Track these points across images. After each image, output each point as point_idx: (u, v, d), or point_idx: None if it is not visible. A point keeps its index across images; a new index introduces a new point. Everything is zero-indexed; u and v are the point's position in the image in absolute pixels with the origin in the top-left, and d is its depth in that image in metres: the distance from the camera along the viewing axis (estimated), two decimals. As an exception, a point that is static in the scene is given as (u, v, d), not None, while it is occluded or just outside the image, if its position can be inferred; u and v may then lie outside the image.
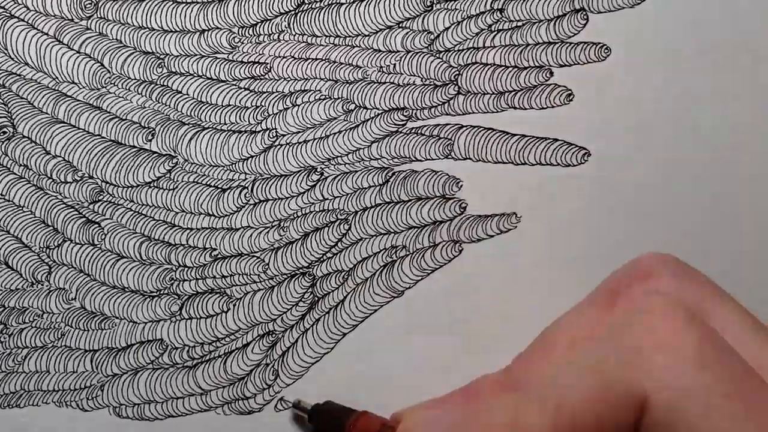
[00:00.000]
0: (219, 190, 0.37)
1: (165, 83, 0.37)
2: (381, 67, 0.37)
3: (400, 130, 0.37)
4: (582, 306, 0.29)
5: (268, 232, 0.37)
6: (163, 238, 0.37)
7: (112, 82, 0.37)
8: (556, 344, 0.28)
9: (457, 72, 0.37)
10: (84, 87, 0.37)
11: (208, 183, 0.37)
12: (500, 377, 0.30)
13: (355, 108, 0.37)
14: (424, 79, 0.37)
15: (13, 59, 0.37)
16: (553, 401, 0.25)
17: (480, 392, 0.30)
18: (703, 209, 0.37)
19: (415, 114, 0.37)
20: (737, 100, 0.37)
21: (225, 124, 0.37)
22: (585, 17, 0.37)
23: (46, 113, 0.37)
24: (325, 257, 0.37)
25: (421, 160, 0.37)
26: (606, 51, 0.37)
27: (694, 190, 0.37)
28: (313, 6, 0.37)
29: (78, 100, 0.37)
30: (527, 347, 0.30)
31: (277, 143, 0.37)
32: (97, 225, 0.37)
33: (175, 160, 0.37)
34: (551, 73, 0.37)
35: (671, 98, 0.37)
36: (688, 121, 0.37)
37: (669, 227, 0.37)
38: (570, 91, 0.37)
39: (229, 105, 0.37)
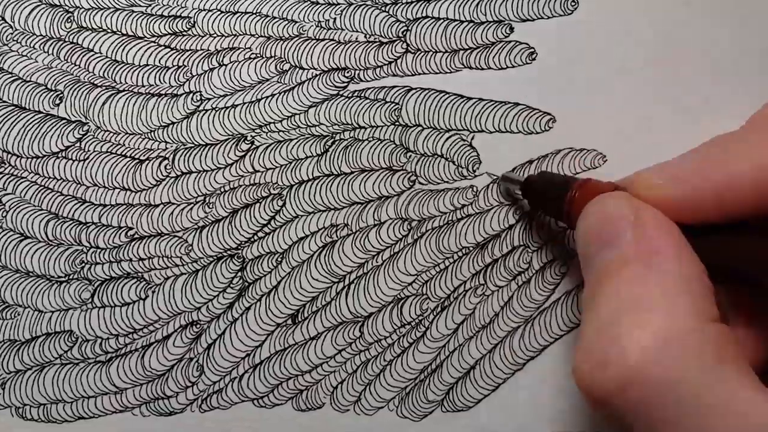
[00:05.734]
0: (136, 161, 0.34)
1: (74, 40, 0.35)
2: (319, 21, 0.35)
3: (341, 93, 0.35)
4: None
5: (191, 208, 0.34)
6: (73, 215, 0.34)
7: (15, 38, 0.35)
8: None
9: (406, 27, 0.35)
10: (-17, 44, 0.35)
11: (123, 153, 0.34)
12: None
13: (290, 68, 0.35)
14: (368, 36, 0.35)
15: None
16: None
17: (718, 139, 0.28)
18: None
19: (358, 75, 0.35)
20: (716, 59, 0.35)
21: (143, 86, 0.35)
22: (550, -35, 0.36)
23: (-59, 74, 0.35)
24: (256, 237, 0.34)
25: (365, 127, 0.35)
26: (573, 3, 0.35)
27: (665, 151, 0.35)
28: (244, -47, 0.35)
29: (-24, 60, 0.35)
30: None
31: (201, 108, 0.35)
32: (-3, 201, 0.34)
33: (86, 128, 0.34)
34: (511, 29, 0.35)
35: (643, 56, 0.35)
36: (661, 80, 0.35)
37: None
38: (533, 49, 0.35)
39: (148, 65, 0.35)
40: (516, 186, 0.33)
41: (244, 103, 0.35)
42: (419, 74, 0.35)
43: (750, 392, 0.22)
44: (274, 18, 0.35)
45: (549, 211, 0.32)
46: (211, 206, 0.34)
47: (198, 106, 0.34)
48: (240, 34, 0.35)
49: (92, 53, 0.35)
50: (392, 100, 0.35)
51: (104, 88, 0.34)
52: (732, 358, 0.23)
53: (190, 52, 0.35)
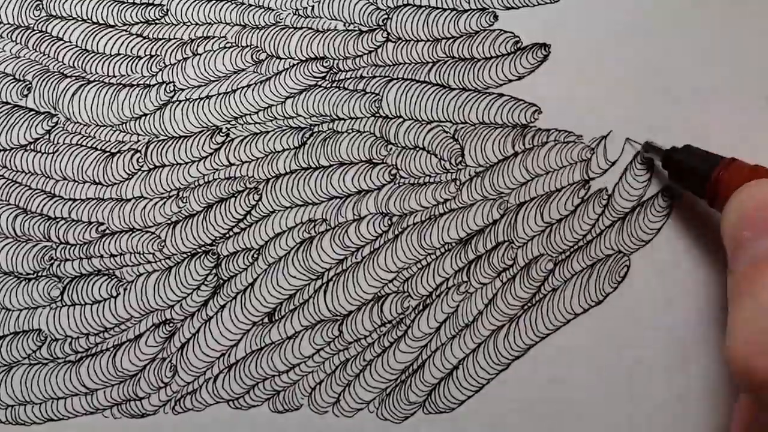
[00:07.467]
0: (107, 154, 0.34)
1: (43, 29, 0.35)
2: (297, 9, 0.35)
3: (319, 83, 0.34)
4: None
5: (164, 203, 0.34)
6: (42, 210, 0.34)
7: (-19, 27, 0.35)
8: None
9: (386, 15, 0.35)
10: (-51, 33, 0.35)
11: (94, 146, 0.34)
12: None
13: (266, 58, 0.35)
14: (347, 24, 0.35)
15: None
16: None
17: None
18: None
19: (337, 65, 0.35)
20: (700, 45, 0.35)
21: (114, 76, 0.34)
22: (535, -49, 0.36)
23: None
24: (231, 233, 0.34)
25: (344, 119, 0.34)
26: (559, -9, 0.35)
27: (655, 141, 0.34)
28: (219, -62, 0.35)
29: (-59, 49, 0.35)
30: None
31: (175, 99, 0.34)
32: (-37, 195, 0.34)
33: (55, 119, 0.34)
34: (495, 17, 0.35)
35: (629, 44, 0.35)
36: (649, 68, 0.35)
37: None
38: (517, 38, 0.35)
39: (119, 54, 0.34)
40: (658, 155, 0.33)
41: (219, 94, 0.34)
42: (400, 64, 0.34)
43: None
44: (250, 6, 0.35)
45: (690, 185, 0.32)
46: (184, 201, 0.34)
47: (171, 97, 0.34)
48: (215, 23, 0.34)
49: (62, 42, 0.34)
50: (372, 90, 0.34)
51: (74, 78, 0.34)
52: None
53: (163, 41, 0.34)
